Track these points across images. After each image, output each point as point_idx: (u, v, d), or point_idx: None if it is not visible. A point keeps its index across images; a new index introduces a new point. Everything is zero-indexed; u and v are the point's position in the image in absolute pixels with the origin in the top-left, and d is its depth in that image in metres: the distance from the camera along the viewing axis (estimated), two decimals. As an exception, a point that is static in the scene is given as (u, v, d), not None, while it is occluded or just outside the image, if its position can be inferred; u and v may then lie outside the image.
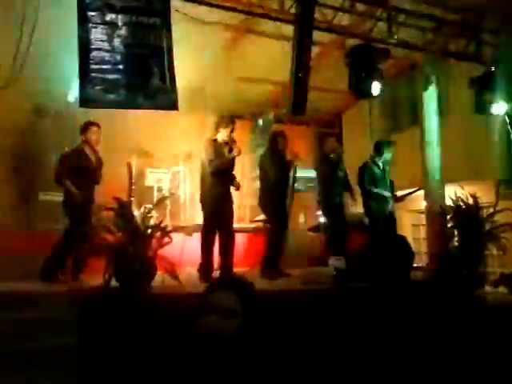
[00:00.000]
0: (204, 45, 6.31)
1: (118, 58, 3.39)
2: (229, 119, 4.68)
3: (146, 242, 3.51)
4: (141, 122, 5.17)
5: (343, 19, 5.00)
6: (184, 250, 5.35)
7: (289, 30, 4.70)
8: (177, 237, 5.50)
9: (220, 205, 4.60)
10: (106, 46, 3.38)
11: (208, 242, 4.61)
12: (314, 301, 3.83)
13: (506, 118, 5.71)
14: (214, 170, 4.55)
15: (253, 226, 6.62)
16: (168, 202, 6.30)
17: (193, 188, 6.70)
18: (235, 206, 5.16)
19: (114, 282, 3.46)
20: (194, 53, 6.24)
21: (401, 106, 8.36)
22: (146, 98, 3.38)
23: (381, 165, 5.73)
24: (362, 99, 5.91)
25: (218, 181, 4.58)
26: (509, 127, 5.83)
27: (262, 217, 5.99)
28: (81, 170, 4.32)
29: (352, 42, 5.23)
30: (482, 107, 5.35)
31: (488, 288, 5.26)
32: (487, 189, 6.46)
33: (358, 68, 4.59)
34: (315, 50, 4.59)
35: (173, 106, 3.48)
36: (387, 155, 5.74)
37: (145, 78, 3.40)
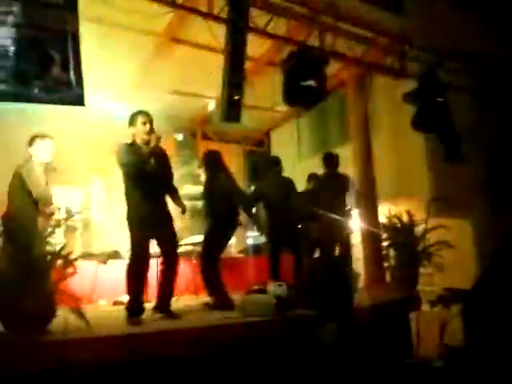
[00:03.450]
0: (126, 54, 5.76)
1: (8, 41, 2.68)
2: (138, 112, 3.66)
3: (42, 274, 2.75)
4: (45, 128, 4.34)
5: (276, 27, 4.73)
6: (97, 281, 4.57)
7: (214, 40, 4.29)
8: (89, 266, 4.75)
9: (153, 224, 3.61)
10: (-9, 26, 2.66)
11: (135, 272, 3.59)
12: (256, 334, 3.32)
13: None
14: (128, 172, 3.56)
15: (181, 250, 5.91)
16: (79, 225, 5.45)
17: (109, 208, 5.91)
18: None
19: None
20: (114, 61, 5.67)
21: (330, 124, 8.30)
22: (43, 90, 2.67)
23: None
24: (298, 107, 5.55)
25: (147, 193, 3.57)
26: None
27: (190, 239, 5.37)
28: None
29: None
30: (419, 123, 5.25)
31: (425, 308, 5.12)
32: (417, 206, 6.47)
33: (296, 73, 4.25)
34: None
35: (78, 101, 2.80)
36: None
37: (42, 67, 2.70)
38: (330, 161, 5.62)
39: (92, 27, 4.39)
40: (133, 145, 3.62)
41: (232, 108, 3.82)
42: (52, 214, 3.92)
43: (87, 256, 4.79)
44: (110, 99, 5.99)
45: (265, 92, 6.31)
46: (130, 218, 3.64)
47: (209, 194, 4.45)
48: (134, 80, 6.16)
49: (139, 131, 3.60)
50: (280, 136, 9.48)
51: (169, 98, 7.04)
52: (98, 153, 5.81)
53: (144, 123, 3.58)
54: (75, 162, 5.44)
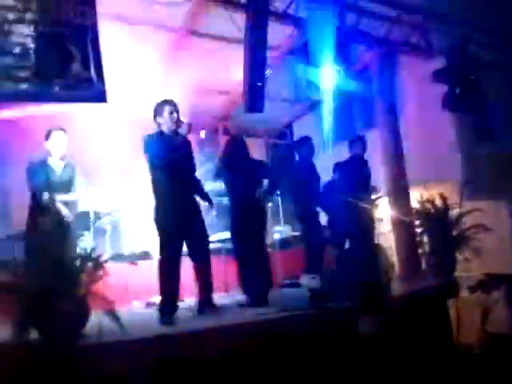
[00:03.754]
0: (142, 51, 5.69)
1: (28, 39, 2.61)
2: (164, 102, 3.51)
3: (73, 277, 2.70)
4: (71, 128, 4.28)
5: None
6: (129, 283, 4.55)
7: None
8: (120, 267, 4.71)
9: (182, 220, 3.45)
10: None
11: (165, 271, 3.45)
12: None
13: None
14: (155, 163, 3.40)
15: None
16: (108, 226, 5.43)
17: (138, 209, 5.87)
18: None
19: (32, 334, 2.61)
20: (129, 60, 5.61)
21: (354, 110, 8.07)
22: (63, 88, 2.59)
23: None
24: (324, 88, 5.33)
25: (175, 184, 3.42)
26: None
27: (218, 236, 5.28)
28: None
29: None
30: (449, 103, 4.98)
31: (464, 294, 4.92)
32: (449, 190, 6.23)
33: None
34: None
35: (100, 98, 2.71)
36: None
37: (62, 64, 2.62)
38: (355, 146, 5.44)
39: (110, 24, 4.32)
40: (160, 134, 3.52)
41: (255, 98, 3.69)
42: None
43: (117, 258, 4.76)
44: (131, 98, 5.95)
45: (284, 83, 6.16)
46: (157, 213, 3.51)
47: (230, 185, 4.28)
48: (153, 76, 6.09)
49: (167, 121, 3.50)
50: (303, 127, 9.29)
51: (189, 95, 6.95)
52: (124, 152, 5.77)
53: (171, 112, 3.48)
54: (102, 162, 5.42)
